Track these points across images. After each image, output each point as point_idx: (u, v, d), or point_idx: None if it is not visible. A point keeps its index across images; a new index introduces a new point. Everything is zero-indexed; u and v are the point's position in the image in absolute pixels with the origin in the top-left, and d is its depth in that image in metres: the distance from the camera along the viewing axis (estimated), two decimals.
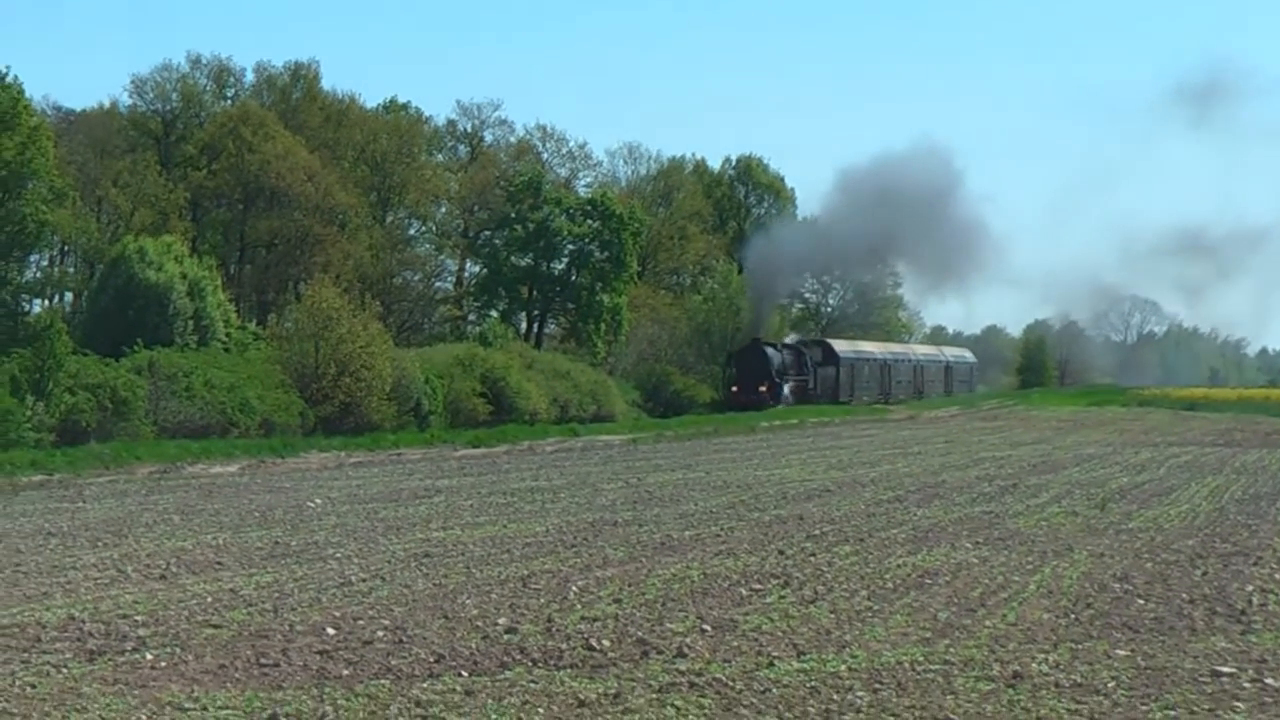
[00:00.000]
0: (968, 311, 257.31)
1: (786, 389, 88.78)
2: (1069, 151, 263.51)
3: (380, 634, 16.18)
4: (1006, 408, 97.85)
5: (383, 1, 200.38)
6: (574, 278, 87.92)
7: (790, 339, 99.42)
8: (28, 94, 62.02)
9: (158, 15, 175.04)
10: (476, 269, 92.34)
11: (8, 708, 12.88)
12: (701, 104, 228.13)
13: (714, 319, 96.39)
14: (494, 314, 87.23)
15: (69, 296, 74.87)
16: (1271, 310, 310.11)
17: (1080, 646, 15.59)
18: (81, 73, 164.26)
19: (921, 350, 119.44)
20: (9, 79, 60.38)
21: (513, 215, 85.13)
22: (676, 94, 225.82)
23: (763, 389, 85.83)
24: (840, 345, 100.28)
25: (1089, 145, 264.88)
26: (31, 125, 61.17)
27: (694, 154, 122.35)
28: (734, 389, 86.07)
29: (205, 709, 12.87)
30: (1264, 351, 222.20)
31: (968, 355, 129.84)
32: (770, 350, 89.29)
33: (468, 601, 18.28)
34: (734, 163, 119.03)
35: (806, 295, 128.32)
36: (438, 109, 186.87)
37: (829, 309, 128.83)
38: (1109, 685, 13.80)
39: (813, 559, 22.20)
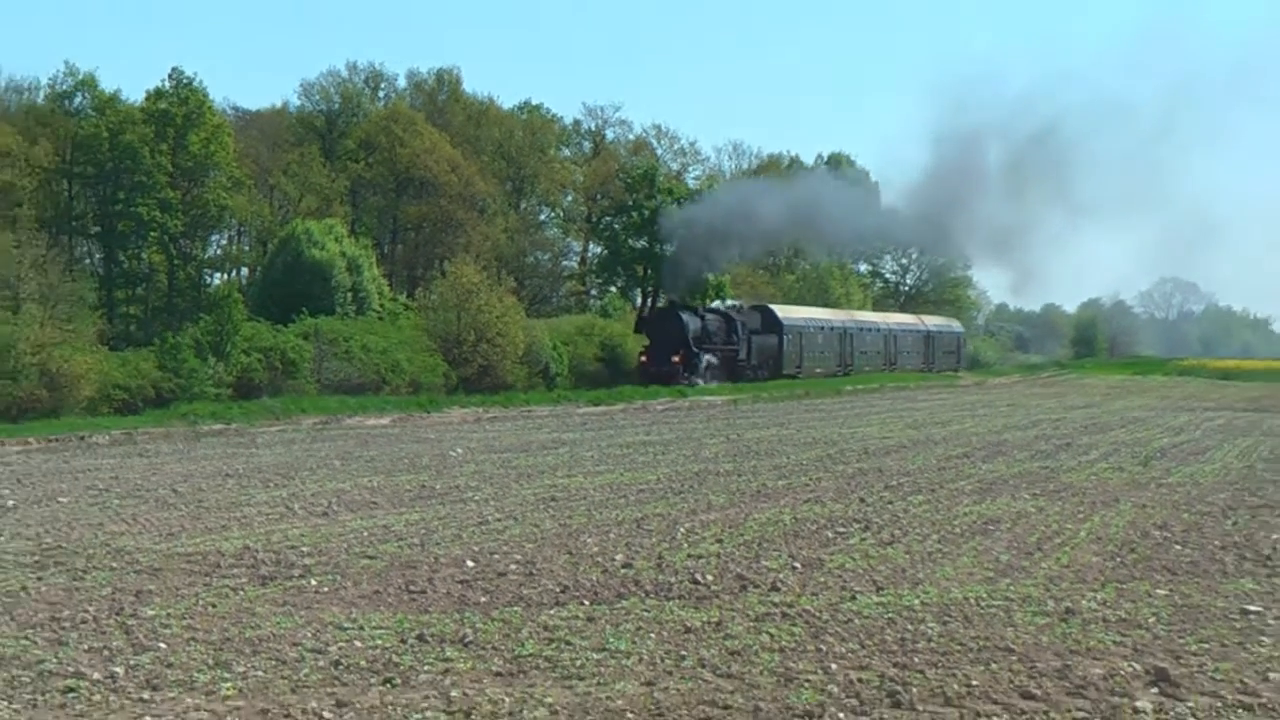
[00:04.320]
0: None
1: (706, 360, 68.32)
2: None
3: (513, 567, 16.27)
4: (1062, 376, 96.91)
5: (519, 13, 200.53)
6: None
7: (720, 304, 78.44)
8: (211, 97, 63.19)
9: (322, 27, 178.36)
10: (598, 250, 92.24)
11: (191, 624, 13.09)
12: (798, 106, 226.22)
13: (805, 294, 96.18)
14: (613, 289, 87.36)
15: (244, 271, 75.77)
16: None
17: (1125, 586, 15.46)
18: (257, 78, 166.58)
19: (895, 319, 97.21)
20: (195, 84, 61.44)
21: (630, 203, 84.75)
22: (778, 96, 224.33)
23: (675, 359, 66.07)
24: (785, 311, 79.32)
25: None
26: (214, 124, 62.50)
27: (789, 150, 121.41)
28: (643, 359, 66.91)
29: (362, 628, 13.00)
30: None
31: (955, 325, 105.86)
32: (687, 316, 68.44)
33: (589, 540, 18.34)
34: (824, 158, 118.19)
35: (887, 275, 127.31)
36: (566, 110, 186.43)
37: (906, 287, 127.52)
38: (1150, 620, 13.68)
39: (890, 507, 22.11)
